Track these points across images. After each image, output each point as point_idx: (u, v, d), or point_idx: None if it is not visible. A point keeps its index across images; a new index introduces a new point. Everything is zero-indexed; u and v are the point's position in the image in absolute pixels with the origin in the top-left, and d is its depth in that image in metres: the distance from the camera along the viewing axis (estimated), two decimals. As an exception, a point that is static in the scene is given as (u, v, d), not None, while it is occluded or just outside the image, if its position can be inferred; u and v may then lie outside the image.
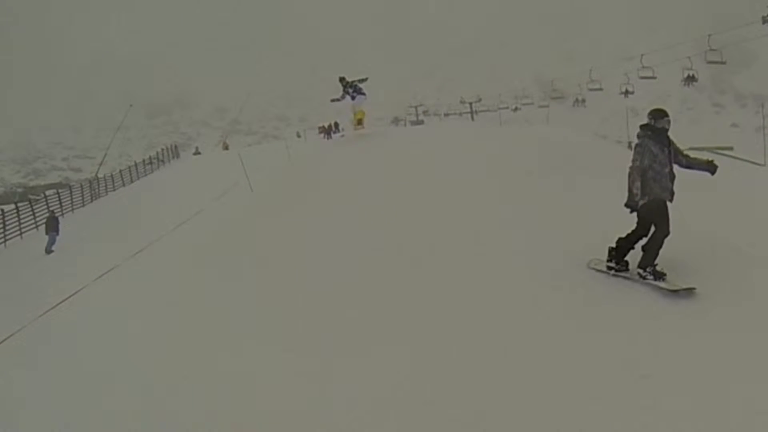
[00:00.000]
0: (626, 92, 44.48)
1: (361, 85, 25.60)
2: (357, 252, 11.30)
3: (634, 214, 8.52)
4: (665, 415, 5.75)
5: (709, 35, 31.55)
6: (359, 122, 26.91)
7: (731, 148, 47.22)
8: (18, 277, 20.20)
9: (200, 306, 10.41)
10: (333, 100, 26.50)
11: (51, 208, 29.32)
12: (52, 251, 24.00)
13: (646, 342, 7.06)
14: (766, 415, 5.55)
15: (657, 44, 41.83)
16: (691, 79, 40.41)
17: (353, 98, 25.61)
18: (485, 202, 13.05)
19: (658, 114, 8.65)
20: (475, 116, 62.47)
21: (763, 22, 30.58)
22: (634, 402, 6.02)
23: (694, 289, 7.96)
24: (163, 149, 58.12)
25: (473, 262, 10.01)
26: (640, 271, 8.37)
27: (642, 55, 35.38)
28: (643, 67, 35.90)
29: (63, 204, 34.16)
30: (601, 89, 42.88)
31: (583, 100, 53.17)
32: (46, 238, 24.57)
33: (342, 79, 25.67)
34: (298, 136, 60.04)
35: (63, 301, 13.74)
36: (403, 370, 7.19)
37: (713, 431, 5.49)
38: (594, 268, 9.09)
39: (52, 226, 24.93)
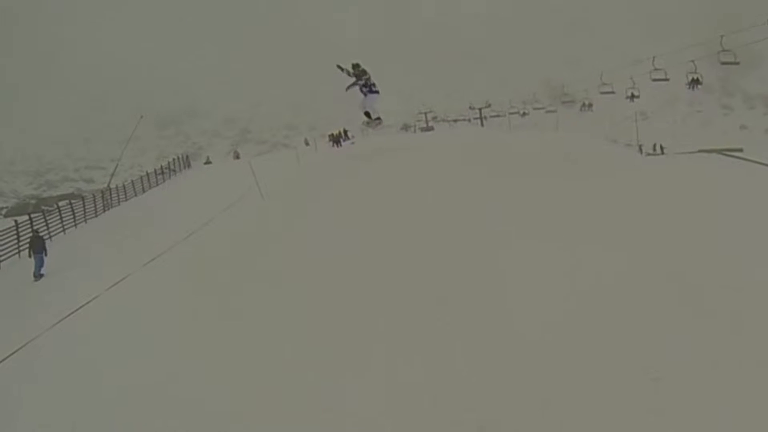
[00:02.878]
0: (632, 96, 44.64)
1: (374, 80, 21.69)
2: (366, 257, 11.35)
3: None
4: None
5: (722, 36, 31.56)
6: (376, 120, 21.95)
7: (741, 150, 47.01)
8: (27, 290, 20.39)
9: (210, 312, 10.50)
10: (349, 88, 21.89)
11: (35, 227, 27.00)
12: (42, 275, 21.58)
13: None
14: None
15: (664, 48, 41.72)
16: (695, 83, 40.50)
17: (364, 95, 21.59)
18: (491, 210, 13.08)
19: None
20: (484, 122, 62.56)
21: (770, 23, 30.54)
22: None
23: None
24: (174, 159, 58.40)
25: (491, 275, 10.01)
26: None
27: (654, 57, 35.42)
28: (655, 69, 35.97)
29: (76, 215, 34.36)
30: (613, 92, 43.01)
31: (590, 105, 53.22)
32: (32, 261, 22.02)
33: (356, 66, 21.63)
34: (307, 144, 60.25)
35: (74, 311, 13.82)
36: (421, 378, 7.24)
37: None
38: None
39: (37, 246, 22.41)
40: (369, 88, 21.34)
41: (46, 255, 22.28)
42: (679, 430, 5.64)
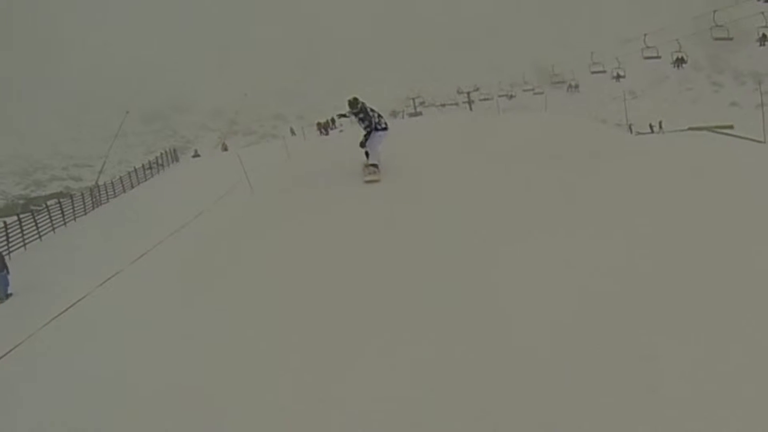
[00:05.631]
0: (618, 76, 44.93)
1: (376, 110, 16.35)
2: (361, 250, 11.16)
3: None
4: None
5: (714, 11, 31.66)
6: (371, 167, 16.02)
7: (731, 127, 47.10)
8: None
9: (203, 306, 10.33)
10: (340, 116, 18.35)
11: None
12: (9, 294, 19.52)
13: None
14: None
15: (654, 26, 41.76)
16: (680, 61, 40.79)
17: (367, 135, 16.11)
18: (488, 200, 12.88)
19: None
20: (472, 106, 62.65)
21: (758, -1, 30.61)
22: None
23: None
24: (161, 153, 58.25)
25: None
26: None
27: (645, 35, 35.53)
28: (647, 47, 36.08)
29: (65, 213, 34.19)
30: (604, 71, 43.32)
31: (577, 86, 53.47)
32: None
33: (353, 103, 16.01)
34: (293, 133, 60.21)
35: (66, 310, 13.62)
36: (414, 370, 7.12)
37: None
38: None
39: None
40: (374, 128, 16.04)
41: (8, 273, 20.22)
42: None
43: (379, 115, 16.16)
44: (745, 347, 6.47)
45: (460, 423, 6.10)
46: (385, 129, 16.06)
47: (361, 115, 15.86)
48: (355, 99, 15.97)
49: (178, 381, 8.10)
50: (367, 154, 16.03)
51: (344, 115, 17.34)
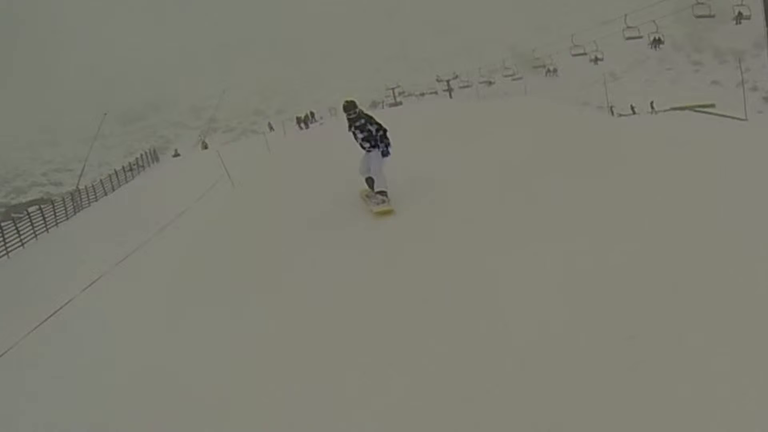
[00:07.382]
0: (596, 59, 45.15)
1: (379, 123, 12.55)
2: (350, 247, 10.99)
3: None
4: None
5: (697, -13, 31.82)
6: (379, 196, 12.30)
7: (713, 105, 47.44)
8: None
9: (183, 317, 10.15)
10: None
11: None
12: None
13: None
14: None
15: (632, 6, 41.81)
16: (657, 42, 41.09)
17: (367, 151, 12.54)
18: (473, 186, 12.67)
19: None
20: (452, 93, 62.83)
21: (736, -24, 30.76)
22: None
23: None
24: (142, 154, 57.94)
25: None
26: None
27: (626, 15, 35.60)
28: (628, 27, 36.16)
29: (47, 219, 33.85)
30: (585, 54, 43.45)
31: (555, 70, 53.65)
32: None
33: (349, 107, 12.67)
34: (271, 128, 60.31)
35: (50, 316, 13.41)
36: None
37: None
38: None
39: None
40: (375, 142, 12.45)
41: None
42: None
43: (384, 133, 12.55)
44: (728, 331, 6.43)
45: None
46: (389, 146, 12.48)
47: (359, 123, 12.48)
48: (352, 102, 12.79)
49: (173, 380, 8.01)
50: (368, 180, 12.72)
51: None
